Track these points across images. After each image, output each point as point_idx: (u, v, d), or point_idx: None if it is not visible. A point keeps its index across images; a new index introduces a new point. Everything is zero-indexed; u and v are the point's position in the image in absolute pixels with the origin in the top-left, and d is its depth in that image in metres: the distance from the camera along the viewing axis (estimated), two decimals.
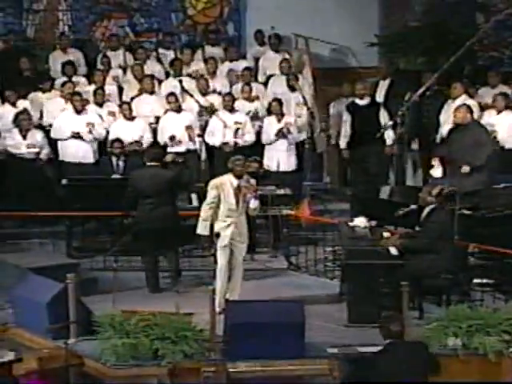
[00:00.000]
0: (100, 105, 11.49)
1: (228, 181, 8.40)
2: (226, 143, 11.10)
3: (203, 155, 11.17)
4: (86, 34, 13.47)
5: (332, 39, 13.09)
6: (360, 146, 11.18)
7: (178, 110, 11.20)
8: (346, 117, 11.39)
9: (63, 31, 13.27)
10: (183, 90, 11.47)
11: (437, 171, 9.97)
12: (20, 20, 13.37)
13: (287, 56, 12.42)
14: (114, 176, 10.60)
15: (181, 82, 11.64)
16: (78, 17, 13.49)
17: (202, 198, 9.21)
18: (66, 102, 11.41)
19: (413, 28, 12.84)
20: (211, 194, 8.39)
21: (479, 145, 9.85)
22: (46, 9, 13.41)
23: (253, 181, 8.55)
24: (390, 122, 10.80)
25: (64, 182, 10.35)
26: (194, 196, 10.13)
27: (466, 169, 9.81)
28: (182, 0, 13.66)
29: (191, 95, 11.39)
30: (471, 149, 9.83)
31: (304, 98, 11.51)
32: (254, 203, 8.43)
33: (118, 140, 10.92)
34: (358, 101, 11.34)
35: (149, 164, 9.26)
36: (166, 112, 11.33)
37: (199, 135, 11.09)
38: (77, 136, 10.95)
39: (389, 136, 11.03)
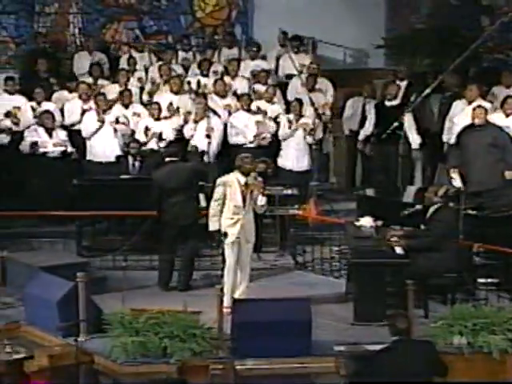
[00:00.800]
0: (126, 106, 11.57)
1: (235, 178, 8.45)
2: (251, 141, 11.20)
3: (211, 156, 11.27)
4: (97, 36, 13.58)
5: (339, 41, 13.17)
6: (382, 146, 11.23)
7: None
8: (372, 115, 11.45)
9: (73, 33, 13.42)
10: (191, 90, 11.58)
11: (457, 182, 9.93)
12: (32, 23, 13.50)
13: (308, 57, 12.49)
14: (124, 176, 10.70)
15: (189, 83, 11.75)
16: (89, 19, 13.61)
17: (209, 198, 9.32)
18: (83, 103, 11.54)
19: (419, 30, 12.90)
20: (218, 191, 8.45)
21: (499, 146, 9.83)
22: (57, 12, 13.54)
23: (260, 179, 8.61)
24: (396, 123, 10.86)
25: (75, 181, 10.42)
26: (201, 196, 10.20)
27: (510, 174, 9.82)
28: (191, 3, 13.78)
29: (199, 96, 11.50)
30: (489, 150, 9.82)
31: (311, 98, 11.59)
32: (261, 200, 8.49)
33: (134, 140, 11.02)
34: (387, 102, 11.40)
35: (168, 159, 9.38)
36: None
37: (207, 136, 11.20)
38: (100, 129, 11.04)
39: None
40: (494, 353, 7.25)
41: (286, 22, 12.71)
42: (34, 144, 10.99)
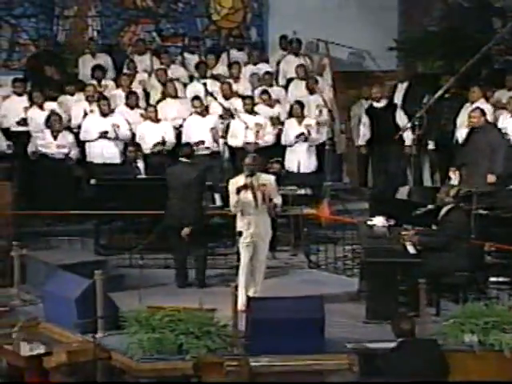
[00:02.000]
0: (132, 108, 11.68)
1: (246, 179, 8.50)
2: (248, 143, 11.27)
3: (225, 155, 11.38)
4: (115, 39, 13.71)
5: (352, 43, 13.24)
6: (379, 147, 11.37)
7: (203, 113, 11.39)
8: (365, 119, 11.60)
9: (92, 36, 13.55)
10: (207, 92, 11.70)
11: (455, 182, 9.95)
12: (51, 26, 13.63)
13: (303, 61, 12.57)
14: (140, 176, 10.83)
15: (205, 84, 11.85)
16: (107, 22, 13.73)
17: (225, 197, 9.44)
18: (90, 105, 11.68)
19: (431, 33, 12.92)
20: (233, 196, 8.47)
21: (493, 148, 9.94)
22: (77, 15, 13.67)
23: (269, 177, 8.64)
24: (409, 124, 10.94)
25: (92, 182, 10.56)
26: (217, 196, 10.31)
27: (491, 178, 9.90)
28: (207, 6, 13.87)
29: (215, 98, 11.62)
30: (486, 152, 9.94)
31: (324, 99, 11.67)
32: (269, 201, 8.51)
33: (133, 143, 11.14)
34: (375, 104, 11.55)
35: (180, 159, 9.48)
36: (190, 115, 11.51)
37: (222, 136, 11.32)
38: (103, 135, 11.19)
39: (408, 137, 11.20)
40: (505, 351, 7.30)
41: (301, 24, 12.79)
42: (34, 152, 11.17)
